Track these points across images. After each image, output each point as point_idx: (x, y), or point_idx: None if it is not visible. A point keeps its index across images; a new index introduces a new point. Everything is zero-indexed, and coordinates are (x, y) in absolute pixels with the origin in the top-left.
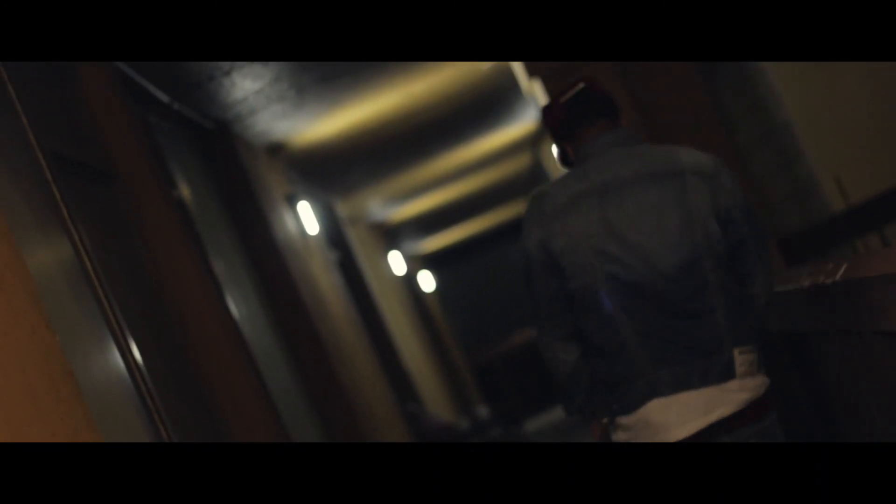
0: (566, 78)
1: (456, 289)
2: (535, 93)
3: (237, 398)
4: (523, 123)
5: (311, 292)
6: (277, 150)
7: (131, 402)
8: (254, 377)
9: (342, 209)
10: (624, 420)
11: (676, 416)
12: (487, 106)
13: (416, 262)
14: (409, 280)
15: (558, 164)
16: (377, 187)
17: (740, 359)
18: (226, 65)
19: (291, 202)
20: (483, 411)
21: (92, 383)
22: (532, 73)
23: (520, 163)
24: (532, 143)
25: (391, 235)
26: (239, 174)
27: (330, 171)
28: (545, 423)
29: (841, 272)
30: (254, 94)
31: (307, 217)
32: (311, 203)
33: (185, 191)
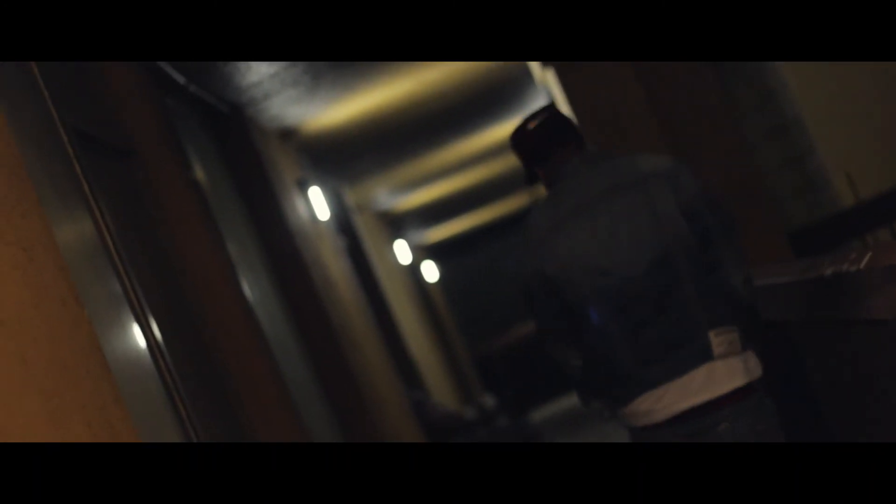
0: (580, 69)
1: (459, 280)
2: (549, 83)
3: (253, 380)
4: None
5: (322, 277)
6: (290, 135)
7: (152, 380)
8: (268, 359)
9: (350, 196)
10: (620, 411)
11: (665, 403)
12: (500, 95)
13: (420, 252)
14: (414, 270)
15: (524, 183)
16: (385, 175)
17: (717, 340)
18: None
19: (303, 187)
20: (489, 401)
21: (116, 358)
22: (546, 62)
23: None
24: None
25: (397, 224)
26: (252, 157)
27: (340, 157)
28: (550, 413)
29: (865, 261)
30: (269, 77)
31: (318, 203)
32: (321, 189)
33: (199, 172)
